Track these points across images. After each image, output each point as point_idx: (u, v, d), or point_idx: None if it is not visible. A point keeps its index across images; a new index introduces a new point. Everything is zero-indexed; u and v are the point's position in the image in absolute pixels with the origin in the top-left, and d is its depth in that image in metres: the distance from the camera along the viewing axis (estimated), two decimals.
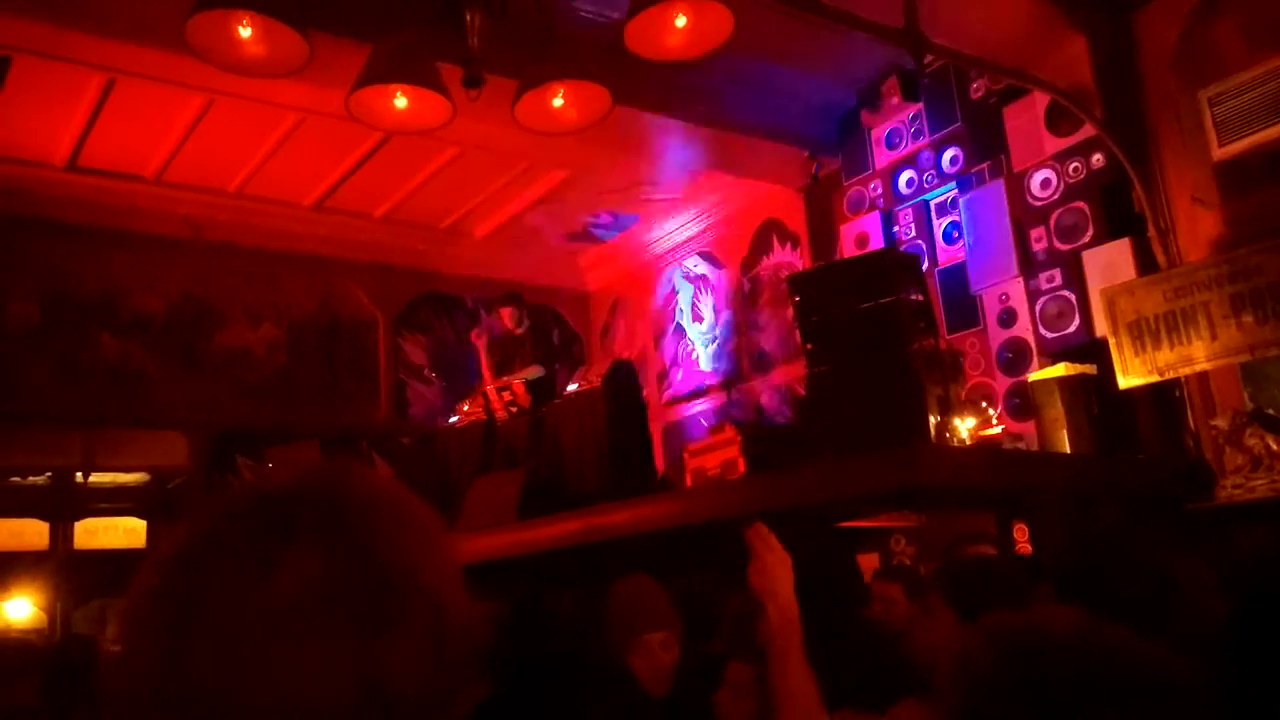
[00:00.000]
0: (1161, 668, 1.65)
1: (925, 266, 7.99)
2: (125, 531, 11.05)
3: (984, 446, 6.03)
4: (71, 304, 10.05)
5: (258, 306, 11.09)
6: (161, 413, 10.25)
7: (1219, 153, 6.87)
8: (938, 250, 8.42)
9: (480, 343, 9.45)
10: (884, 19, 6.20)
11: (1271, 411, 6.31)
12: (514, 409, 8.70)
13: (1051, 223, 7.53)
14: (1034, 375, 6.79)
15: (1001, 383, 7.69)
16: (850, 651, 3.86)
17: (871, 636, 4.35)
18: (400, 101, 6.22)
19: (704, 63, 6.23)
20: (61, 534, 10.52)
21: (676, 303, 12.20)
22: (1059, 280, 7.42)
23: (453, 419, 9.23)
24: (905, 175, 8.77)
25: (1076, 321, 7.28)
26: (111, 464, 10.61)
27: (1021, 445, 6.79)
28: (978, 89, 8.27)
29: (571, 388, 8.38)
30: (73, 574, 10.43)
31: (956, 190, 8.29)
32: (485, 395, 8.84)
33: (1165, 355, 6.49)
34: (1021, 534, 6.11)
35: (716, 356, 11.58)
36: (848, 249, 8.95)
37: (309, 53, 5.55)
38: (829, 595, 4.15)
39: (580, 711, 3.79)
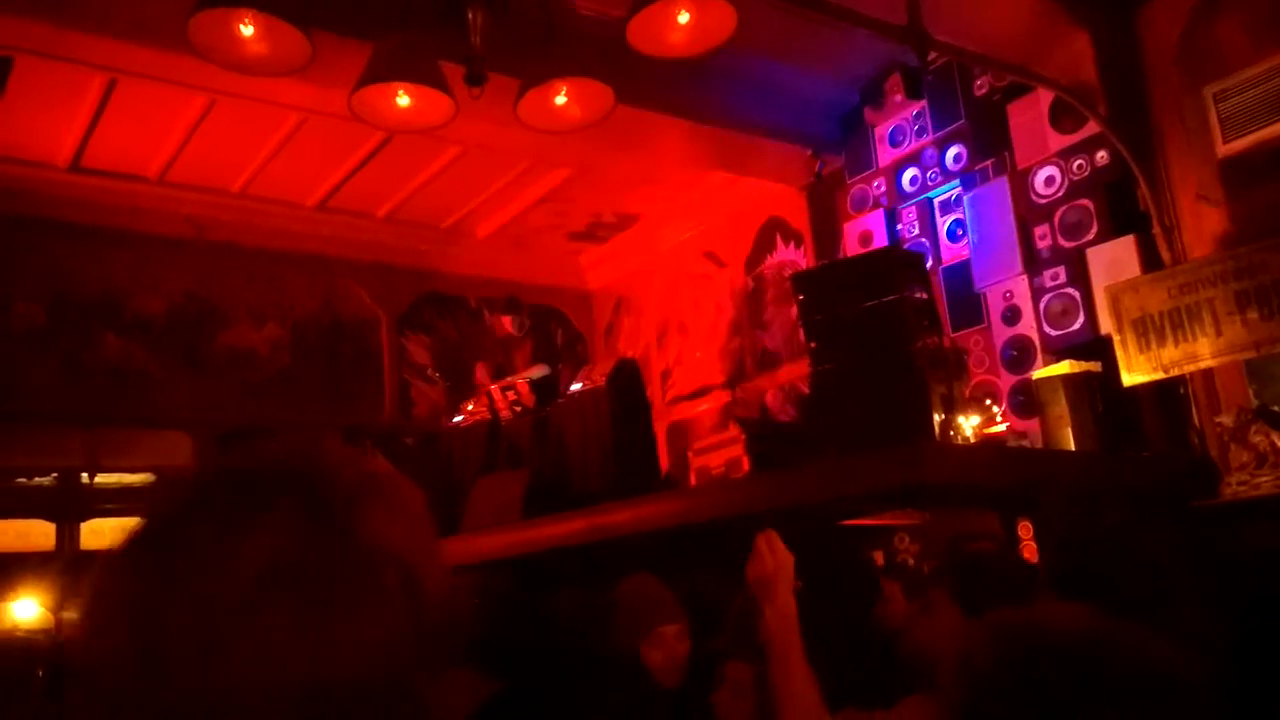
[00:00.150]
0: (1166, 665, 1.66)
1: (929, 264, 7.98)
2: None
3: (988, 444, 6.02)
4: (75, 304, 10.06)
5: (261, 306, 11.09)
6: (165, 413, 10.25)
7: (1223, 149, 6.86)
8: (941, 248, 8.40)
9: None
10: (887, 16, 6.19)
11: (1276, 409, 6.30)
12: (518, 408, 8.69)
13: (1055, 220, 7.52)
14: (1038, 373, 6.78)
15: (1006, 380, 7.68)
16: (855, 649, 3.86)
17: (878, 634, 4.35)
18: (403, 100, 6.22)
19: (707, 60, 6.23)
20: (68, 535, 10.52)
21: (680, 301, 12.19)
22: (1063, 277, 7.41)
23: (457, 419, 9.22)
24: (909, 173, 8.75)
25: (1081, 319, 7.27)
26: (116, 464, 10.59)
27: (1026, 443, 6.78)
28: (981, 86, 8.25)
29: (575, 387, 8.37)
30: (80, 575, 10.43)
31: (960, 188, 8.28)
32: (489, 395, 8.84)
33: (1170, 352, 6.47)
34: (1026, 532, 6.10)
35: (720, 355, 11.57)
36: (851, 247, 8.94)
37: (311, 52, 5.55)
38: (838, 592, 4.16)
39: (595, 704, 3.79)
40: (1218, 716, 1.70)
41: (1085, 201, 7.37)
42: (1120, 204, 7.23)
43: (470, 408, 9.04)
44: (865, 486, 5.01)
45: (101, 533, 10.81)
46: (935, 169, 8.53)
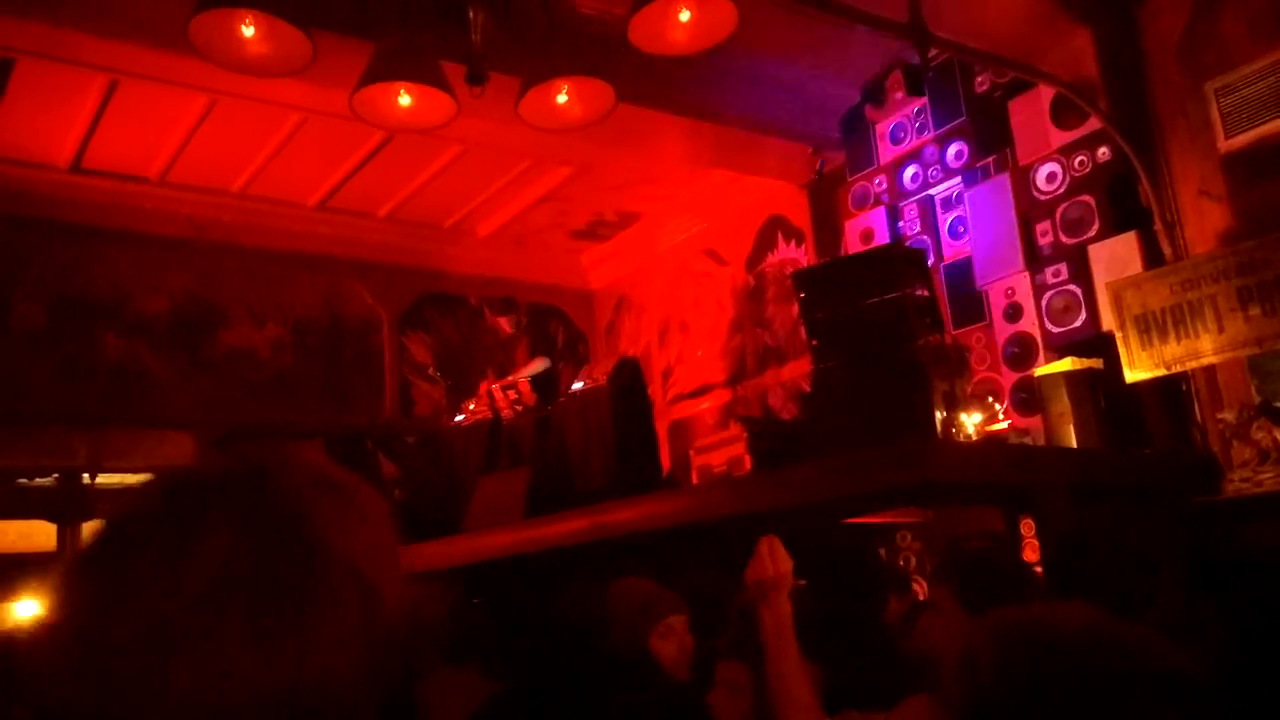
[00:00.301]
0: (1168, 663, 1.64)
1: (931, 261, 7.98)
2: None
3: (990, 442, 6.02)
4: (76, 305, 10.06)
5: (262, 306, 11.09)
6: (166, 413, 10.25)
7: (1225, 145, 6.85)
8: (943, 245, 8.40)
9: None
10: (888, 13, 6.19)
11: (1279, 405, 6.30)
12: (519, 407, 8.70)
13: (1057, 216, 7.52)
14: (1040, 370, 6.78)
15: (1008, 377, 7.67)
16: (857, 648, 3.85)
17: (881, 633, 4.35)
18: (404, 100, 6.23)
19: (708, 59, 6.23)
20: (70, 536, 10.52)
21: (681, 300, 12.19)
22: (1065, 274, 7.40)
23: (458, 418, 9.23)
24: (910, 170, 8.74)
25: (1083, 316, 7.27)
26: (117, 465, 10.59)
27: (1028, 440, 6.78)
28: (982, 83, 8.25)
29: (577, 386, 8.37)
30: None
31: (961, 185, 8.27)
32: (491, 394, 8.84)
33: (1172, 349, 6.47)
34: (1028, 529, 6.10)
35: (722, 354, 11.57)
36: (853, 245, 8.93)
37: (312, 52, 5.56)
38: (841, 591, 4.15)
39: (611, 700, 3.78)
40: (1218, 714, 1.69)
41: (1087, 198, 7.37)
42: (1122, 200, 7.22)
43: (472, 407, 9.04)
44: (868, 484, 5.00)
45: None
46: (936, 166, 8.52)
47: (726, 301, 11.57)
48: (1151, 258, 6.94)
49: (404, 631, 1.17)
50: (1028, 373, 7.33)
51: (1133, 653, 1.66)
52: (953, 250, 8.32)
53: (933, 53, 6.46)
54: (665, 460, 9.63)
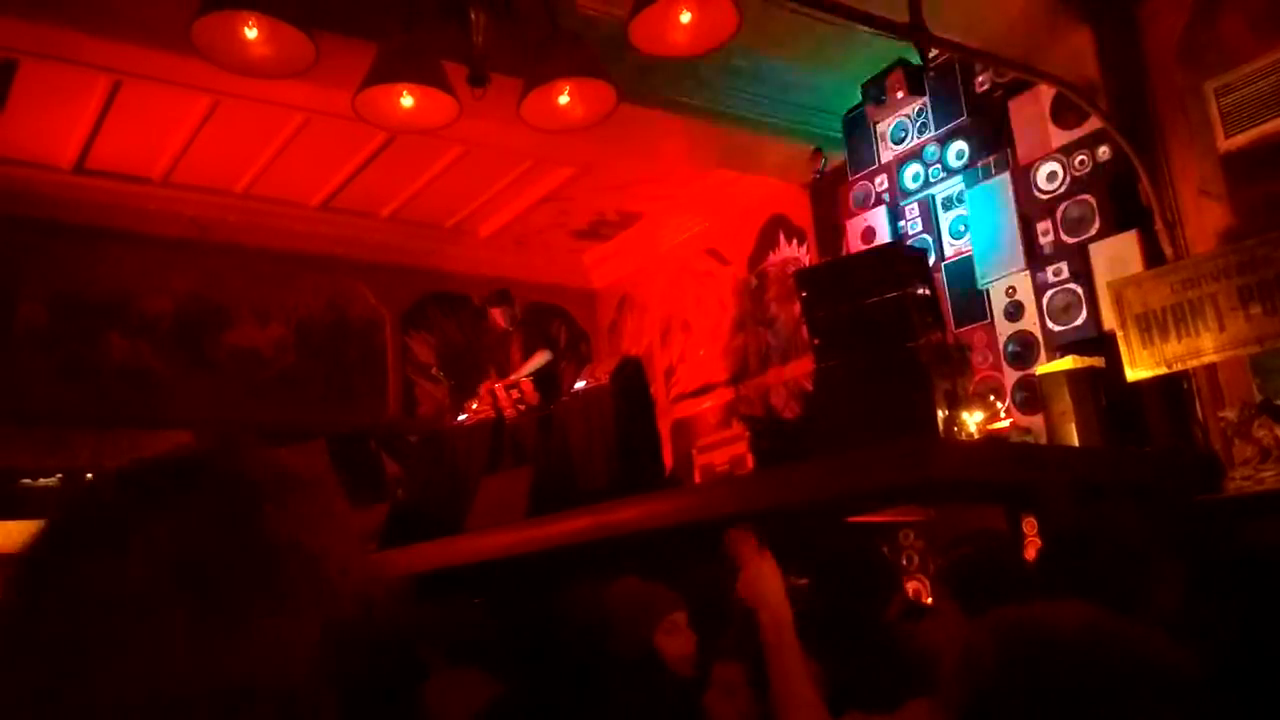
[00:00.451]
0: (1168, 662, 1.66)
1: (932, 261, 7.98)
2: None
3: (992, 440, 6.03)
4: (80, 305, 10.08)
5: (265, 306, 11.12)
6: (170, 413, 10.26)
7: (1226, 144, 6.86)
8: (944, 244, 8.39)
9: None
10: (889, 13, 6.20)
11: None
12: (522, 407, 8.71)
13: (1058, 216, 7.52)
14: (1041, 368, 6.79)
15: (1009, 376, 7.68)
16: (860, 649, 3.86)
17: (884, 632, 4.36)
18: (406, 101, 6.24)
19: (709, 59, 6.25)
20: None
21: (683, 299, 12.20)
22: (1066, 273, 7.41)
23: (461, 417, 9.24)
24: (911, 169, 8.74)
25: (1084, 314, 7.27)
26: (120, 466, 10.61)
27: (1030, 438, 6.79)
28: (983, 82, 8.24)
29: (579, 385, 8.39)
30: None
31: (962, 184, 8.27)
32: (494, 393, 8.85)
33: (1173, 347, 6.48)
34: (1030, 528, 6.11)
35: (724, 353, 11.58)
36: (854, 244, 8.93)
37: (314, 53, 5.57)
38: (844, 590, 4.16)
39: (616, 698, 3.79)
40: (1218, 712, 1.70)
41: (1087, 197, 7.37)
42: (1122, 199, 7.23)
43: (475, 406, 9.06)
44: (870, 483, 5.01)
45: None
46: (937, 165, 8.52)
47: (728, 301, 11.59)
48: (1152, 256, 6.95)
49: (364, 622, 1.15)
50: (1029, 371, 7.34)
51: (1133, 651, 1.67)
52: (954, 249, 8.31)
53: (933, 52, 6.48)
54: (668, 459, 9.64)
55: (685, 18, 5.76)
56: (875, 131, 9.06)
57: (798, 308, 8.39)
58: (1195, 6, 7.05)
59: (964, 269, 8.13)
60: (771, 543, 3.44)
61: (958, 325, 7.92)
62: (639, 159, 10.30)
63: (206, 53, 5.56)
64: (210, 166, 10.02)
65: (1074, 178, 7.47)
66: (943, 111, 8.51)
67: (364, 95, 6.07)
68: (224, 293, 10.89)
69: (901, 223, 8.74)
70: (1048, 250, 7.58)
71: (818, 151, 9.79)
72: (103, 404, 10.02)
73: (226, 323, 10.86)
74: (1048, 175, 7.62)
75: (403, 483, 10.21)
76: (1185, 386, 6.81)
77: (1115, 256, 7.08)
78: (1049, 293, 7.48)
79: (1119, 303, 6.73)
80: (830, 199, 9.78)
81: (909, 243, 8.40)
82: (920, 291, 5.70)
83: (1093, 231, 7.30)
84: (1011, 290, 7.72)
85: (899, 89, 8.69)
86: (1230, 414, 6.44)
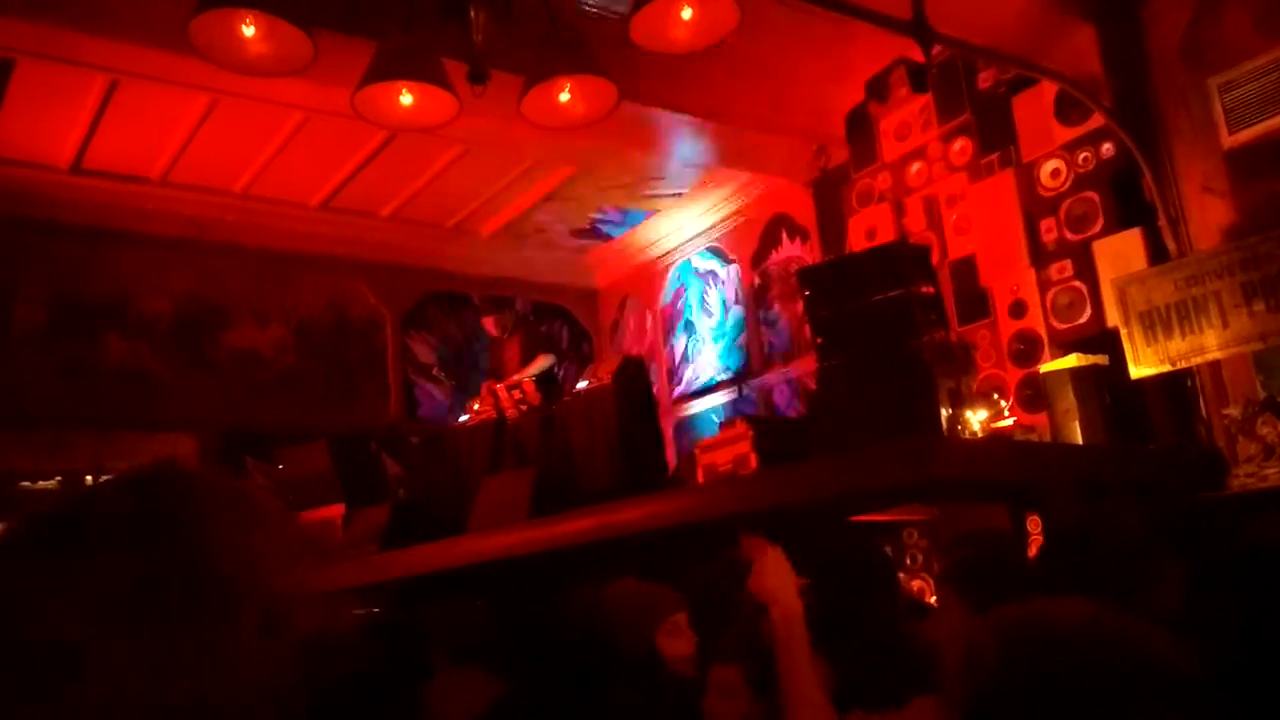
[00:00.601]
0: (1169, 660, 1.66)
1: (935, 259, 7.97)
2: None
3: (996, 438, 6.01)
4: (78, 306, 10.07)
5: (265, 307, 11.10)
6: (169, 415, 10.25)
7: (1229, 141, 6.85)
8: (947, 242, 8.38)
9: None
10: (891, 10, 6.18)
11: None
12: (524, 407, 8.69)
13: (1061, 213, 7.52)
14: (1045, 366, 6.78)
15: (1013, 374, 7.67)
16: (865, 647, 3.84)
17: (888, 631, 4.34)
18: (406, 99, 6.23)
19: (711, 56, 6.24)
20: None
21: (686, 298, 12.21)
22: (1069, 271, 7.41)
23: (463, 418, 9.23)
24: (914, 167, 8.74)
25: (1088, 312, 7.27)
26: (120, 467, 10.60)
27: (1034, 437, 6.77)
28: (986, 79, 8.24)
29: (581, 385, 8.37)
30: None
31: (966, 181, 8.26)
32: (495, 394, 8.84)
33: (1177, 345, 6.47)
34: (1034, 525, 6.09)
35: (727, 352, 11.58)
36: (857, 242, 8.93)
37: (313, 51, 5.56)
38: (847, 590, 4.14)
39: (618, 699, 3.78)
40: (1219, 710, 1.69)
41: (1091, 194, 7.37)
42: (1126, 196, 7.23)
43: (476, 407, 9.04)
44: (873, 482, 5.00)
45: None
46: (941, 163, 8.52)
47: (731, 299, 11.58)
48: (1156, 254, 6.95)
49: (315, 640, 1.14)
50: (1033, 369, 7.34)
51: (1134, 649, 1.67)
52: (957, 247, 8.30)
53: (936, 50, 6.46)
54: (670, 459, 9.62)
55: (686, 14, 5.76)
56: (878, 129, 9.06)
57: (800, 306, 8.38)
58: (1198, 3, 7.05)
59: (967, 267, 8.13)
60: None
61: (961, 323, 7.92)
62: (640, 157, 10.29)
63: (204, 51, 5.55)
64: (209, 166, 10.00)
65: (1077, 175, 7.47)
66: (946, 109, 8.50)
67: (363, 93, 6.06)
68: (223, 293, 10.88)
69: (904, 220, 8.73)
70: (1051, 248, 7.59)
71: (820, 150, 9.78)
72: (102, 405, 10.00)
73: (226, 323, 10.85)
74: (1051, 172, 7.62)
75: (404, 483, 10.20)
76: (1189, 384, 6.81)
77: (1119, 254, 7.08)
78: (1052, 290, 7.48)
79: (1122, 300, 6.72)
80: (833, 197, 9.77)
81: (912, 241, 8.38)
82: (923, 290, 5.68)
83: (1096, 229, 7.30)
84: (1015, 288, 7.72)
85: (902, 86, 8.70)
86: (1234, 411, 6.44)
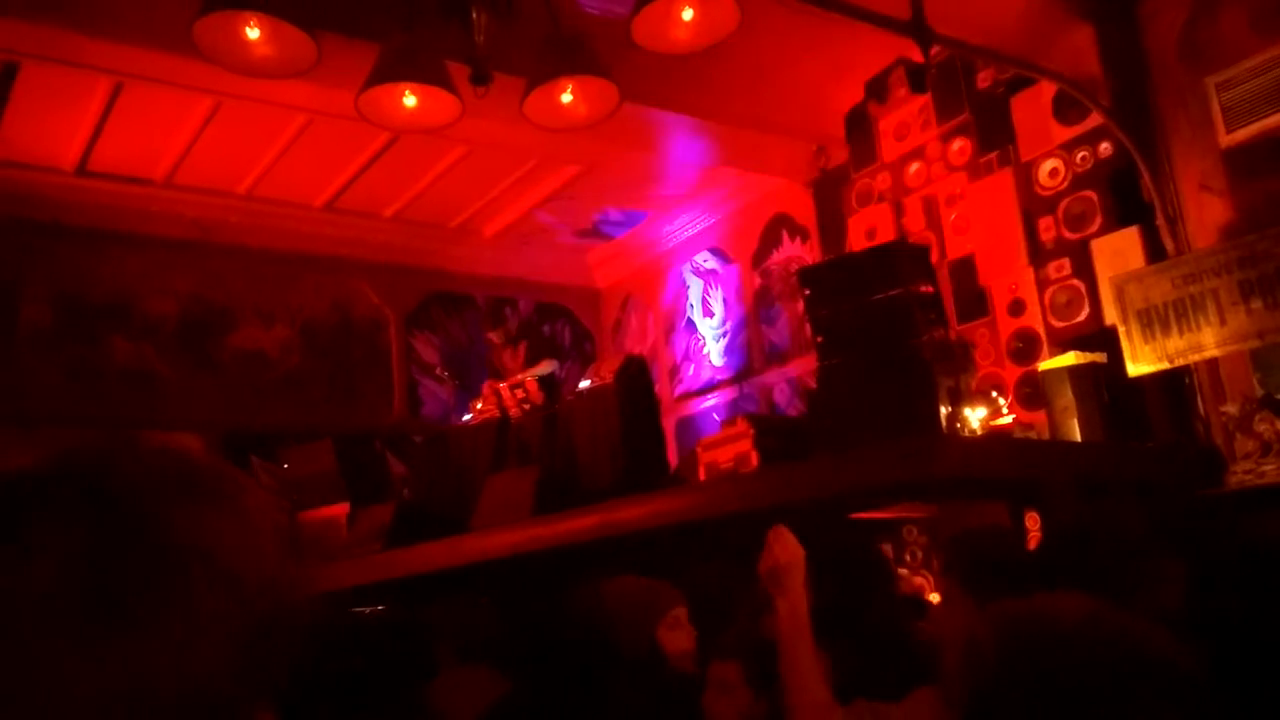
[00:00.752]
0: (1168, 656, 1.67)
1: (934, 258, 7.99)
2: None
3: (995, 436, 6.03)
4: (83, 307, 10.08)
5: (269, 307, 11.12)
6: (175, 415, 10.26)
7: (1226, 139, 6.87)
8: (946, 241, 8.41)
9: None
10: (890, 11, 6.21)
11: None
12: (527, 406, 8.72)
13: (1060, 212, 7.55)
14: (1044, 364, 6.80)
15: (1012, 372, 7.70)
16: (865, 641, 3.87)
17: (889, 625, 4.37)
18: (409, 100, 6.25)
19: (711, 57, 6.26)
20: None
21: (687, 298, 12.22)
22: (1068, 269, 7.43)
23: (466, 417, 9.25)
24: (913, 167, 8.76)
25: (1086, 310, 7.30)
26: None
27: (1032, 434, 6.79)
28: (985, 79, 8.26)
29: (584, 384, 8.39)
30: None
31: (965, 181, 8.29)
32: (498, 393, 8.86)
33: (1175, 342, 6.50)
34: (1033, 523, 6.12)
35: (728, 351, 11.59)
36: (857, 242, 8.95)
37: (316, 53, 5.58)
38: (850, 585, 4.17)
39: (621, 695, 3.80)
40: (1217, 706, 1.71)
41: (1089, 193, 7.40)
42: (1124, 195, 7.25)
43: (479, 406, 9.07)
44: (873, 480, 5.04)
45: None
46: (940, 162, 8.54)
47: (732, 299, 11.60)
48: (1153, 252, 6.97)
49: (281, 624, 1.09)
50: (1031, 367, 7.36)
51: (1134, 645, 1.67)
52: (956, 246, 8.33)
53: (935, 50, 6.49)
54: (672, 457, 9.65)
55: (687, 15, 5.79)
56: (878, 129, 9.08)
57: (801, 305, 8.41)
58: (1195, 2, 7.07)
59: (966, 266, 8.15)
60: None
61: (960, 322, 7.94)
62: (642, 158, 10.31)
63: (208, 54, 5.57)
64: (213, 168, 10.03)
65: (1076, 174, 7.50)
66: (945, 108, 8.52)
67: (367, 95, 6.08)
68: (228, 294, 10.89)
69: (904, 220, 8.75)
70: (1050, 246, 7.61)
71: (820, 150, 9.81)
72: (107, 407, 10.01)
73: (230, 324, 10.86)
74: (1049, 171, 7.65)
75: (408, 482, 10.22)
76: (1186, 381, 6.83)
77: (1117, 252, 7.10)
78: (1051, 289, 7.51)
79: (1120, 298, 6.75)
80: (833, 197, 9.79)
81: (911, 240, 8.41)
82: (923, 288, 5.71)
83: (1094, 227, 7.33)
84: (1014, 287, 7.74)
85: (901, 86, 8.71)
86: (1231, 408, 6.46)
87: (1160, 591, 2.96)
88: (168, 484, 1.08)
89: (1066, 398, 6.34)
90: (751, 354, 11.26)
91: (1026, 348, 7.61)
